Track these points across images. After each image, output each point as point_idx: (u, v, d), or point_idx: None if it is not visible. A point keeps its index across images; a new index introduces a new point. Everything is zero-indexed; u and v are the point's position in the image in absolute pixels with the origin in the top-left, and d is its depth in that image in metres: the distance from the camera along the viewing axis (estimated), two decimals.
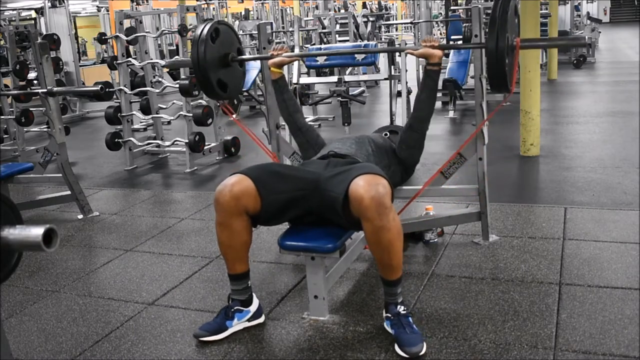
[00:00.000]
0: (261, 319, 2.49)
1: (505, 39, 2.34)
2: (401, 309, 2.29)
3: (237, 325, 2.42)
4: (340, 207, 2.22)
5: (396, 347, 2.20)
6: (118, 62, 5.94)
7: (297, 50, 5.84)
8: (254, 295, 2.49)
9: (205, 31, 2.70)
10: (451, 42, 11.28)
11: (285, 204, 2.35)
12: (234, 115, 3.26)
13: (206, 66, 2.69)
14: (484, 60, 2.97)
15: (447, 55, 8.93)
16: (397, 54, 4.96)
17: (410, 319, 2.28)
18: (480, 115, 2.98)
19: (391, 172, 2.66)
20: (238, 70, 2.91)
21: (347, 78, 5.02)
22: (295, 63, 5.60)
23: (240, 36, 11.44)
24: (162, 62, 7.11)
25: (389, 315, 2.30)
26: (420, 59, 8.69)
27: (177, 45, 12.86)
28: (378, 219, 2.12)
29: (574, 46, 2.73)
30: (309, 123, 2.99)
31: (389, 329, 2.30)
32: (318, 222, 2.43)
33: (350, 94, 5.00)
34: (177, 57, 5.44)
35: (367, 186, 2.13)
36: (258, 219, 2.38)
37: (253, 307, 2.47)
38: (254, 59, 3.09)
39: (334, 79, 5.03)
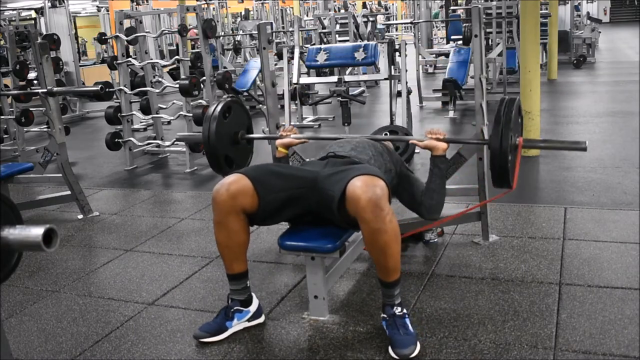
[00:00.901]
0: (261, 319, 2.49)
1: (509, 139, 2.38)
2: (397, 310, 2.27)
3: (237, 325, 2.42)
4: (337, 206, 2.22)
5: (389, 349, 2.20)
6: (118, 62, 5.94)
7: (297, 50, 5.83)
8: (253, 295, 2.49)
9: (218, 109, 2.77)
10: (451, 43, 11.31)
11: (283, 202, 2.35)
12: None
13: (215, 143, 2.75)
14: (484, 63, 2.98)
15: (447, 55, 8.94)
16: (397, 53, 4.96)
17: (407, 320, 2.27)
18: (480, 115, 2.98)
19: (391, 178, 2.65)
20: (246, 147, 2.99)
21: (347, 78, 5.01)
22: (296, 63, 5.60)
23: (240, 36, 11.42)
24: (163, 62, 7.12)
25: (385, 316, 2.29)
26: (420, 60, 8.71)
27: (177, 45, 12.86)
28: (374, 220, 2.12)
29: (575, 150, 2.80)
30: (294, 156, 2.96)
31: (385, 330, 2.30)
32: (316, 222, 2.43)
33: (350, 94, 4.99)
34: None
35: (364, 187, 2.13)
36: (255, 218, 2.38)
37: (253, 307, 2.47)
38: (263, 138, 3.17)
39: (334, 79, 5.02)
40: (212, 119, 2.75)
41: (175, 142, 5.60)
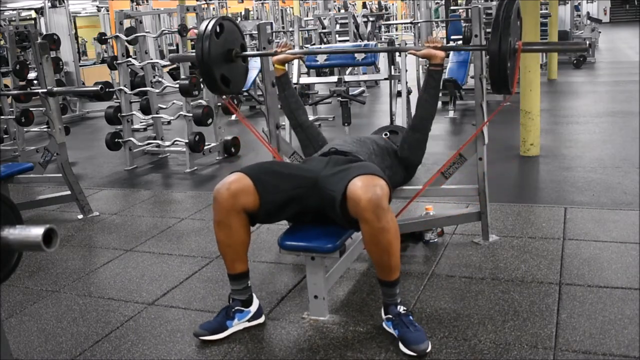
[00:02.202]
0: (261, 319, 2.49)
1: (507, 42, 2.36)
2: (401, 308, 2.29)
3: (237, 325, 2.42)
4: (339, 206, 2.22)
5: (401, 347, 2.20)
6: (118, 62, 5.94)
7: (297, 50, 5.83)
8: (254, 295, 2.49)
9: (209, 27, 2.71)
10: (451, 43, 11.31)
11: (284, 202, 2.35)
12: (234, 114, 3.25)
13: (210, 61, 2.70)
14: (484, 60, 2.98)
15: (447, 55, 8.94)
16: (397, 53, 4.96)
17: (411, 317, 2.28)
18: (480, 115, 2.98)
19: (392, 173, 2.66)
20: (241, 66, 2.93)
21: (347, 78, 5.01)
22: (295, 63, 5.60)
23: None
24: (163, 62, 7.11)
25: (390, 316, 2.29)
26: (420, 60, 8.71)
27: (177, 45, 12.85)
28: (376, 220, 2.12)
29: (575, 51, 2.78)
30: (311, 121, 2.99)
31: (390, 330, 2.30)
32: (317, 221, 2.43)
33: (350, 94, 4.99)
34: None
35: (365, 187, 2.13)
36: (257, 217, 2.38)
37: (253, 308, 2.47)
38: (258, 55, 3.10)
39: (334, 79, 5.02)
40: (205, 38, 2.69)
41: (175, 142, 5.59)
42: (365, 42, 9.11)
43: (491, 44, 2.38)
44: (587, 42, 2.45)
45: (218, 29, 2.75)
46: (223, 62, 2.78)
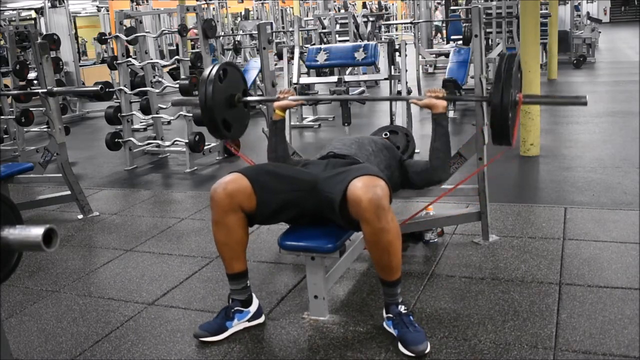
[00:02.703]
0: (261, 319, 2.49)
1: (509, 95, 2.39)
2: (402, 308, 2.29)
3: (237, 325, 2.42)
4: (338, 208, 2.22)
5: (400, 347, 2.20)
6: (118, 62, 5.94)
7: (297, 50, 5.83)
8: (253, 295, 2.49)
9: (213, 72, 2.74)
10: (451, 43, 11.32)
11: (281, 204, 2.35)
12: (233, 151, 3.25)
13: (213, 106, 2.73)
14: (484, 61, 2.98)
15: (447, 55, 8.94)
16: (397, 54, 4.96)
17: (411, 317, 2.28)
18: (480, 115, 2.98)
19: (391, 173, 2.66)
20: (243, 111, 2.96)
21: (347, 78, 5.01)
22: (295, 63, 5.60)
23: (240, 36, 11.41)
24: (163, 62, 7.11)
25: (391, 315, 2.30)
26: (420, 57, 8.71)
27: (177, 45, 12.85)
28: (377, 221, 2.12)
29: (575, 104, 2.82)
30: (294, 159, 2.93)
31: (390, 329, 2.30)
32: (315, 222, 2.43)
33: (350, 94, 4.99)
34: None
35: (365, 188, 2.13)
36: (254, 218, 2.38)
37: (253, 308, 2.47)
38: (261, 101, 3.15)
39: (334, 79, 5.02)
40: (208, 82, 2.71)
41: (175, 142, 5.59)
42: (365, 42, 9.11)
43: (493, 96, 2.41)
44: (586, 97, 2.50)
45: (222, 74, 2.78)
46: (225, 107, 2.82)
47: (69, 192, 4.19)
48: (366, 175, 2.20)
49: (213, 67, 2.76)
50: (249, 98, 2.95)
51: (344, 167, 2.41)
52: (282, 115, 2.82)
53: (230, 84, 2.83)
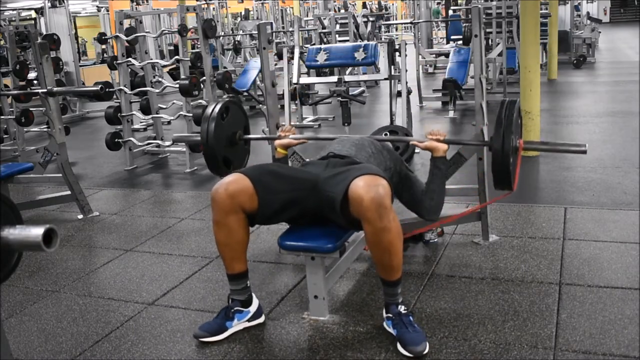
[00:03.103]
0: (261, 319, 2.49)
1: (510, 141, 2.41)
2: (402, 308, 2.29)
3: (237, 325, 2.42)
4: (339, 207, 2.22)
5: (399, 347, 2.20)
6: (118, 62, 5.94)
7: (297, 50, 5.83)
8: (253, 295, 2.49)
9: (216, 110, 2.76)
10: (451, 42, 11.31)
11: (283, 204, 2.35)
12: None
13: (214, 145, 2.75)
14: (484, 61, 2.98)
15: (447, 55, 8.94)
16: (397, 54, 4.95)
17: (411, 318, 2.28)
18: (481, 115, 2.98)
19: (390, 175, 2.65)
20: (243, 148, 2.99)
21: (347, 78, 5.01)
22: (295, 63, 5.60)
23: (240, 36, 11.41)
24: (163, 62, 7.10)
25: (390, 315, 2.30)
26: (421, 58, 8.71)
27: (175, 46, 12.83)
28: (378, 220, 2.12)
29: (575, 152, 2.87)
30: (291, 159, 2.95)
31: (389, 329, 2.30)
32: (316, 222, 2.43)
33: (350, 94, 4.99)
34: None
35: (367, 187, 2.13)
36: (255, 218, 2.38)
37: (253, 308, 2.47)
38: (262, 139, 3.17)
39: (334, 78, 5.02)
40: (211, 120, 2.75)
41: (175, 143, 5.59)
42: (365, 42, 9.11)
43: (495, 142, 2.43)
44: (586, 146, 2.52)
45: (224, 112, 2.81)
46: (226, 144, 2.85)
47: (69, 192, 4.19)
48: (368, 174, 2.20)
49: (216, 105, 2.80)
50: (250, 136, 2.97)
51: (345, 166, 2.41)
52: (283, 154, 2.82)
53: (232, 121, 2.86)
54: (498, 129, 2.43)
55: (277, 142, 2.84)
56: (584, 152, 2.47)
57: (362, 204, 2.12)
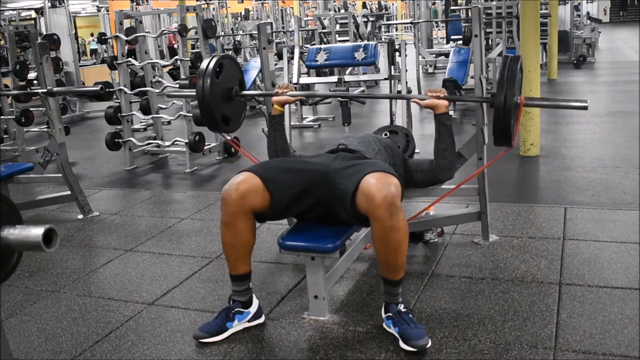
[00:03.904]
0: (261, 320, 2.49)
1: (512, 97, 2.41)
2: (401, 307, 2.30)
3: (237, 326, 2.42)
4: (349, 201, 2.21)
5: (401, 344, 2.20)
6: (118, 62, 5.94)
7: (297, 50, 5.83)
8: (254, 296, 2.49)
9: (210, 66, 2.72)
10: (451, 42, 11.32)
11: (295, 197, 2.34)
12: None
13: (210, 101, 2.72)
14: (484, 62, 2.98)
15: (447, 55, 8.94)
16: (397, 54, 4.95)
17: (411, 315, 2.28)
18: (480, 115, 2.98)
19: (396, 172, 2.66)
20: (241, 104, 2.95)
21: (347, 78, 5.01)
22: (295, 63, 5.60)
23: (240, 36, 11.41)
24: (163, 62, 7.11)
25: (390, 314, 2.30)
26: (420, 58, 8.71)
27: (169, 48, 12.81)
28: (389, 219, 2.12)
29: (575, 108, 2.87)
30: (294, 154, 2.91)
31: (390, 329, 2.30)
32: (324, 216, 2.41)
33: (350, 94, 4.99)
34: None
35: (379, 185, 2.13)
36: (265, 216, 2.37)
37: (253, 308, 2.46)
38: (259, 95, 3.14)
39: (334, 79, 5.02)
40: (205, 76, 2.71)
41: (175, 142, 5.59)
42: (365, 42, 9.11)
43: (496, 98, 2.43)
44: (587, 102, 2.53)
45: (218, 68, 2.78)
46: (223, 101, 2.81)
47: (69, 192, 4.19)
48: (380, 171, 2.20)
49: (210, 61, 2.75)
50: (246, 92, 2.94)
51: (355, 160, 2.41)
52: (281, 111, 2.82)
53: (227, 77, 2.82)
54: (500, 85, 2.43)
55: (274, 98, 2.84)
56: (585, 107, 2.48)
57: (374, 202, 2.12)
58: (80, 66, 10.67)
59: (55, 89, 3.95)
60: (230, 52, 11.15)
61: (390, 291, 2.32)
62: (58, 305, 2.83)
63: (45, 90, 3.92)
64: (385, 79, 4.76)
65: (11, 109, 6.67)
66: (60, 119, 4.10)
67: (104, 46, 11.95)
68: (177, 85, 5.45)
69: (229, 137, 3.19)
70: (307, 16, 14.61)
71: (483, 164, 3.05)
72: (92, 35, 18.07)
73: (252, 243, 2.40)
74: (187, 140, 5.45)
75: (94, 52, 18.29)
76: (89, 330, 2.55)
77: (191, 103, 5.63)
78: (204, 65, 2.76)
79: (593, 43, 12.44)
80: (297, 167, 2.41)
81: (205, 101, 2.71)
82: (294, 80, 5.21)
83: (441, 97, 2.63)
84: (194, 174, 5.42)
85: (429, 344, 2.18)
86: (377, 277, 2.81)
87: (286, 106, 2.93)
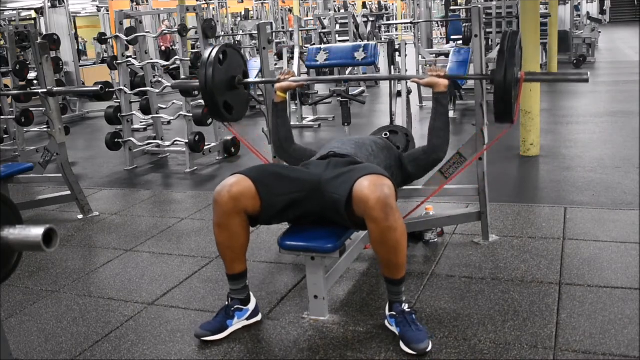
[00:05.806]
0: (259, 317, 2.50)
1: (512, 72, 2.40)
2: (405, 306, 2.30)
3: (237, 323, 2.42)
4: (344, 208, 2.22)
5: (402, 345, 2.20)
6: (118, 62, 5.94)
7: (297, 50, 5.84)
8: (251, 293, 2.50)
9: (213, 54, 2.72)
10: (451, 42, 11.31)
11: (285, 205, 2.35)
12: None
13: (213, 89, 2.72)
14: (484, 61, 2.98)
15: (447, 55, 8.94)
16: (397, 54, 4.95)
17: (414, 316, 2.29)
18: (480, 115, 2.98)
19: (391, 174, 2.65)
20: (244, 93, 2.95)
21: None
22: (295, 63, 5.60)
23: (240, 36, 11.41)
24: (163, 62, 7.10)
25: (394, 313, 2.30)
26: (420, 58, 8.71)
27: (167, 49, 12.80)
28: (385, 219, 2.12)
29: (576, 82, 2.86)
30: (298, 145, 2.92)
31: (392, 328, 2.30)
32: (318, 222, 2.43)
33: (350, 93, 4.99)
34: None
35: (372, 187, 2.13)
36: (258, 219, 2.38)
37: (251, 305, 2.47)
38: (261, 82, 3.14)
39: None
40: (208, 65, 2.71)
41: (175, 142, 5.59)
42: (365, 42, 9.11)
43: (497, 73, 2.42)
44: (588, 74, 2.51)
45: (221, 56, 2.77)
46: (226, 89, 2.81)
47: (69, 192, 4.19)
48: (372, 174, 2.20)
49: (212, 49, 2.75)
50: (249, 80, 2.95)
51: (346, 166, 2.41)
52: (283, 97, 2.83)
53: (230, 65, 2.82)
54: (500, 60, 2.43)
55: (277, 85, 2.85)
56: (586, 80, 2.47)
57: (368, 204, 2.12)
58: (80, 66, 10.67)
59: (55, 89, 3.95)
60: None
61: (393, 290, 2.32)
62: (58, 305, 2.83)
63: (45, 90, 3.92)
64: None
65: (11, 109, 6.67)
66: (60, 119, 4.10)
67: (103, 46, 11.92)
68: None
69: (231, 128, 3.19)
70: (307, 16, 14.61)
71: (483, 164, 3.05)
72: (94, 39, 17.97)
73: (247, 243, 2.40)
74: (187, 140, 5.45)
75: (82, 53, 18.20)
76: (89, 330, 2.55)
77: (191, 103, 5.63)
78: (206, 53, 2.76)
79: (593, 43, 12.44)
80: (290, 176, 2.41)
81: (208, 86, 2.71)
82: None
83: (441, 75, 2.65)
84: (194, 174, 5.42)
85: (430, 347, 2.18)
86: (377, 277, 2.81)
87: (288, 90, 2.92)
